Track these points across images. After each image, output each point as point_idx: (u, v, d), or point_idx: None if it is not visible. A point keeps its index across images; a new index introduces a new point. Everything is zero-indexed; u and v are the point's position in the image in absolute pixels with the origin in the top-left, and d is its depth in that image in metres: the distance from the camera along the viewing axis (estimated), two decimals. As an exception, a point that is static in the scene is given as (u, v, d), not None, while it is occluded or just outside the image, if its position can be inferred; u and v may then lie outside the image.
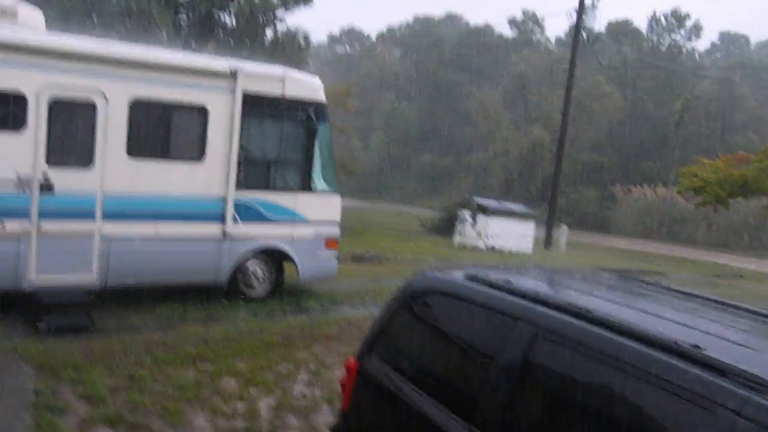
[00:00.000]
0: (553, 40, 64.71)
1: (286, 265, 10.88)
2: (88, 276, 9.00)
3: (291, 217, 10.53)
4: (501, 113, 49.51)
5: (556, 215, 28.73)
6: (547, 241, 26.70)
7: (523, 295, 3.71)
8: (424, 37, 63.42)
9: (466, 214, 24.02)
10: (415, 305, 4.44)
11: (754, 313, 4.05)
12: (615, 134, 50.44)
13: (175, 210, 9.58)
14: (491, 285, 3.94)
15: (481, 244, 23.07)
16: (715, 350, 2.87)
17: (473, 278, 4.12)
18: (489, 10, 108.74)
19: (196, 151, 9.79)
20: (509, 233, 23.25)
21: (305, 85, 10.74)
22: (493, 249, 22.86)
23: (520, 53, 55.91)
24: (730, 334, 3.39)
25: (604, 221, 44.33)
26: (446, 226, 26.76)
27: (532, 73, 46.27)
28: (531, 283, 4.20)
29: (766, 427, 2.45)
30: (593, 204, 45.85)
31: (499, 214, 23.59)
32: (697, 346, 2.86)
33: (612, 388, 3.08)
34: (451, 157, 56.96)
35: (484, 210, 23.47)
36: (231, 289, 10.34)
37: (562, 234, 27.06)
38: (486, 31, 59.97)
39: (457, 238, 24.14)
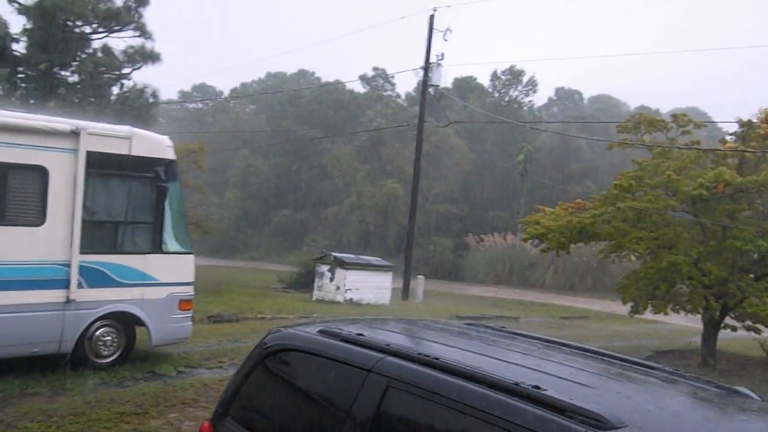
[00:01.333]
0: (403, 95, 66.96)
1: (138, 329, 10.44)
2: None
3: (141, 280, 10.14)
4: (356, 167, 50.42)
5: (412, 266, 29.32)
6: (405, 292, 27.16)
7: (374, 348, 3.76)
8: (277, 93, 63.80)
9: (324, 268, 24.07)
10: (270, 363, 4.39)
11: (593, 353, 4.30)
12: (466, 186, 52.57)
13: (13, 277, 8.98)
14: (344, 339, 3.98)
15: (340, 298, 23.14)
16: (555, 390, 3.02)
17: (326, 333, 4.14)
18: (340, 67, 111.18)
19: (37, 214, 9.27)
20: (367, 286, 23.50)
21: (154, 143, 10.50)
22: (352, 302, 22.97)
23: (373, 108, 57.42)
24: (570, 374, 3.57)
25: (458, 270, 45.72)
26: (305, 282, 26.66)
27: (386, 127, 47.59)
28: (383, 334, 4.26)
29: None
30: (448, 253, 47.26)
31: (357, 267, 23.83)
32: (537, 387, 3.00)
33: (461, 430, 3.18)
34: (309, 211, 57.12)
35: (341, 264, 23.62)
36: (78, 358, 9.75)
37: (419, 284, 27.65)
38: (338, 87, 61.21)
39: (315, 293, 24.10)
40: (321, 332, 4.19)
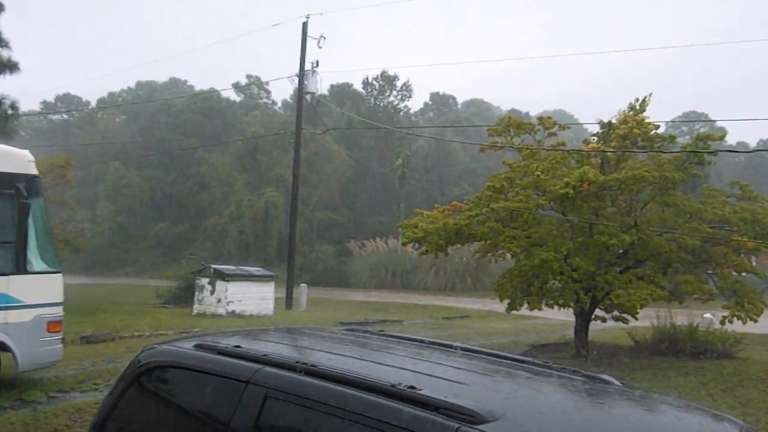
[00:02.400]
0: (280, 103, 66.55)
1: (2, 355, 9.82)
2: None
3: (4, 303, 9.55)
4: (234, 177, 49.59)
5: (295, 274, 29.16)
6: (288, 301, 26.97)
7: (252, 359, 3.73)
8: (148, 102, 61.82)
9: (204, 281, 23.53)
10: (146, 381, 4.25)
11: (469, 351, 4.42)
12: (346, 192, 52.82)
13: None
14: (220, 352, 3.93)
15: (221, 311, 22.68)
16: (430, 389, 3.08)
17: (202, 347, 4.06)
18: (214, 75, 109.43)
19: None
20: (249, 297, 23.17)
21: (13, 157, 9.93)
22: (234, 314, 22.57)
23: (249, 116, 56.72)
24: (446, 373, 3.66)
25: (342, 276, 45.85)
26: (185, 296, 25.96)
27: (263, 135, 47.08)
28: (261, 345, 4.22)
29: None
30: (331, 260, 47.31)
31: (238, 278, 23.46)
32: (413, 387, 3.06)
33: (342, 436, 3.19)
34: (187, 223, 55.64)
35: (221, 276, 23.18)
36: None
37: (302, 292, 27.52)
38: (213, 95, 60.04)
39: (196, 307, 23.51)
40: (197, 346, 4.10)
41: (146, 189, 58.36)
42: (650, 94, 15.69)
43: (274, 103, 67.00)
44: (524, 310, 16.62)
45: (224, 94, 62.76)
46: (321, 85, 29.77)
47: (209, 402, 3.88)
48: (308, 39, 28.63)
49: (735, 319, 14.37)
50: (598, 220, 14.68)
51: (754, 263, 20.66)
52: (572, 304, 14.99)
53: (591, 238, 14.56)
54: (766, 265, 43.47)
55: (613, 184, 14.43)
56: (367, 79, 60.43)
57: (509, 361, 4.08)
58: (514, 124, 16.61)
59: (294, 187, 28.92)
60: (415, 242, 16.04)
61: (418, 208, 18.43)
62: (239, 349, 3.90)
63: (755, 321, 14.49)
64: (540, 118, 16.84)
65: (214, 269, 23.75)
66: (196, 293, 23.75)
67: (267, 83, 63.71)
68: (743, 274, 16.46)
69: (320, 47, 29.29)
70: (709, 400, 11.13)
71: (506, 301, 15.78)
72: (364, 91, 61.37)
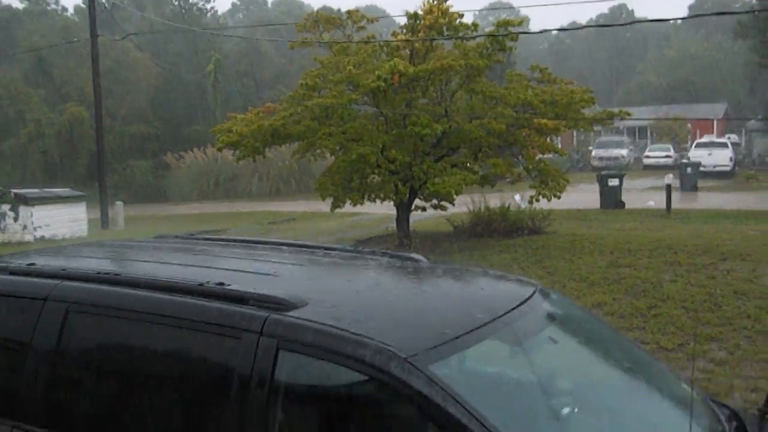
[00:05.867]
0: (71, 10, 61.27)
1: None
2: None
3: None
4: (28, 93, 45.49)
5: (109, 193, 27.74)
6: (104, 221, 25.69)
7: (48, 275, 3.50)
8: None
9: (5, 207, 21.83)
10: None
11: (280, 244, 4.39)
12: (156, 102, 50.17)
13: None
14: (12, 272, 3.68)
15: (29, 237, 21.25)
16: (239, 284, 3.03)
17: None
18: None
19: None
20: (58, 220, 21.87)
21: None
22: (44, 239, 21.23)
23: (36, 25, 51.76)
24: (256, 268, 3.62)
25: (161, 191, 44.15)
26: (-15, 226, 23.97)
27: (55, 45, 43.17)
28: (58, 261, 3.97)
29: (280, 337, 2.68)
30: (147, 175, 45.28)
31: (43, 201, 21.95)
32: (221, 284, 2.99)
33: (153, 341, 3.09)
34: (-22, 148, 50.80)
35: (24, 200, 21.60)
36: None
37: (119, 211, 26.27)
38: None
39: (0, 236, 21.86)
40: None
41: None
42: (454, -17, 15.91)
43: (64, 9, 61.54)
44: (348, 208, 16.88)
45: (3, 1, 56.71)
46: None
47: (5, 326, 3.62)
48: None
49: (541, 197, 15.45)
50: (410, 112, 14.98)
51: (559, 145, 22.22)
52: (392, 196, 15.38)
53: (405, 129, 14.86)
54: (568, 145, 46.98)
55: (422, 74, 14.67)
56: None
57: (321, 251, 4.11)
58: (323, 19, 16.34)
59: (96, 100, 27.01)
60: (231, 147, 15.66)
61: (234, 113, 17.93)
62: (34, 266, 3.66)
63: (558, 197, 15.65)
64: (348, 12, 16.65)
65: (15, 194, 22.08)
66: (-2, 221, 22.06)
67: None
68: (547, 154, 17.64)
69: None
70: (520, 272, 11.96)
71: (329, 200, 15.94)
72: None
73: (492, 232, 15.91)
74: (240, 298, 2.86)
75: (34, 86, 46.89)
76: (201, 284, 2.99)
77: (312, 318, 2.73)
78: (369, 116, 15.61)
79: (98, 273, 3.39)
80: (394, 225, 16.91)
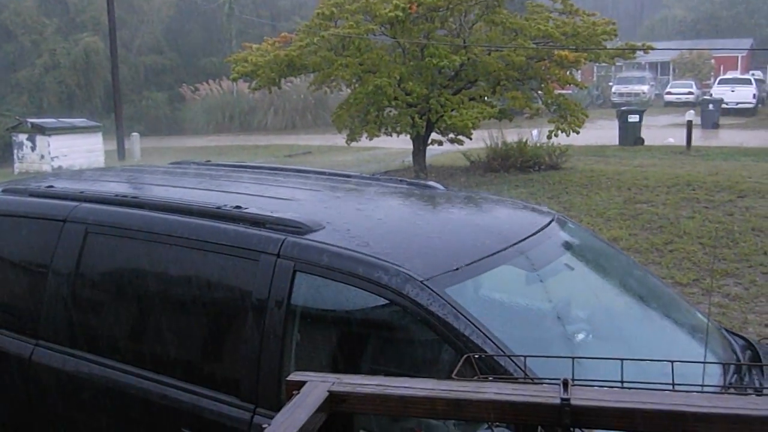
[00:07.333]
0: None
1: None
2: None
3: None
4: (42, 22, 45.11)
5: (125, 124, 27.73)
6: (120, 152, 25.77)
7: (67, 197, 3.53)
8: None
9: (23, 137, 21.92)
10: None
11: (299, 171, 4.38)
12: (171, 33, 49.62)
13: None
14: (32, 194, 3.71)
15: (47, 167, 21.38)
16: (257, 207, 3.04)
17: (11, 191, 3.83)
18: None
19: None
20: (76, 150, 21.93)
21: None
22: (61, 169, 21.39)
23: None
24: (275, 192, 3.62)
25: (176, 123, 44.08)
26: (3, 155, 24.20)
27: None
28: (77, 184, 3.99)
29: (297, 260, 2.69)
30: (163, 107, 45.14)
31: (60, 131, 22.01)
32: (239, 207, 3.00)
33: (170, 263, 3.12)
34: (-4, 78, 50.76)
35: (41, 130, 21.65)
36: None
37: (135, 142, 26.33)
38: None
39: (18, 166, 22.00)
40: (5, 191, 3.84)
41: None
42: None
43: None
44: (364, 142, 16.79)
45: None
46: None
47: (26, 247, 3.66)
48: None
49: (560, 133, 15.28)
50: (429, 42, 14.73)
51: (579, 78, 21.83)
52: (409, 130, 15.27)
53: (423, 61, 14.63)
54: (588, 80, 46.15)
55: (441, 4, 14.38)
56: None
57: (339, 177, 4.10)
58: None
59: (111, 30, 26.81)
60: (246, 77, 15.53)
61: (250, 44, 17.70)
62: (52, 189, 3.69)
63: (577, 133, 15.47)
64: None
65: (32, 123, 22.14)
66: (15, 151, 22.17)
67: None
68: (567, 89, 17.35)
69: None
70: (536, 207, 11.95)
71: (346, 132, 15.84)
72: None
73: (508, 167, 15.82)
74: (257, 221, 2.87)
75: (49, 16, 46.45)
76: (219, 207, 3.00)
77: (329, 241, 2.74)
78: (386, 47, 15.36)
79: (116, 195, 3.41)
80: (410, 159, 16.83)
